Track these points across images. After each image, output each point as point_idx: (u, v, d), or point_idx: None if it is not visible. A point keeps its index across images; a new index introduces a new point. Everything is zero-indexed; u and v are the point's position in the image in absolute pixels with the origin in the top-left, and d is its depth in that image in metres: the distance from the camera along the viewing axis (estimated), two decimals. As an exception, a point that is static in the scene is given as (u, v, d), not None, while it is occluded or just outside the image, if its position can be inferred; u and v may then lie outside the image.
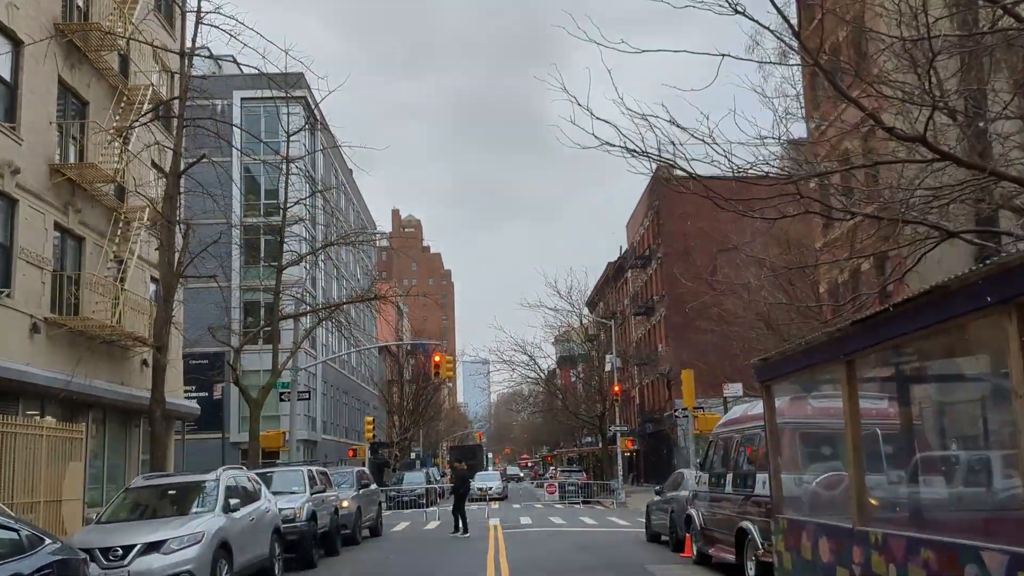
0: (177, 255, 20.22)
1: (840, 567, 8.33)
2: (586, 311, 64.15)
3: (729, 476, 14.59)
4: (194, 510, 13.62)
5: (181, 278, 20.69)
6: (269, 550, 15.18)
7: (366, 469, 27.49)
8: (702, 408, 32.36)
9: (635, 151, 11.57)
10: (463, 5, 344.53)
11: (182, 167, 20.08)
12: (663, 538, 21.61)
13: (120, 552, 11.97)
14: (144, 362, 26.88)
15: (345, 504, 23.48)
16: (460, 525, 25.58)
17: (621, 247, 76.36)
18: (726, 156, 13.00)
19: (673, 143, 12.39)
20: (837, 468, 11.65)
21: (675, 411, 33.20)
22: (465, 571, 16.63)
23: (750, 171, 13.40)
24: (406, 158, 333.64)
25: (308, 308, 28.96)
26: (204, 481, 14.36)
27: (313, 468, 20.82)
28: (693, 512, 16.82)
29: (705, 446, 17.33)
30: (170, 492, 14.50)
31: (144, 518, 13.53)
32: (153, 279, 27.26)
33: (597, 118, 11.70)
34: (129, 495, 14.32)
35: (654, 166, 12.64)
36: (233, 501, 13.77)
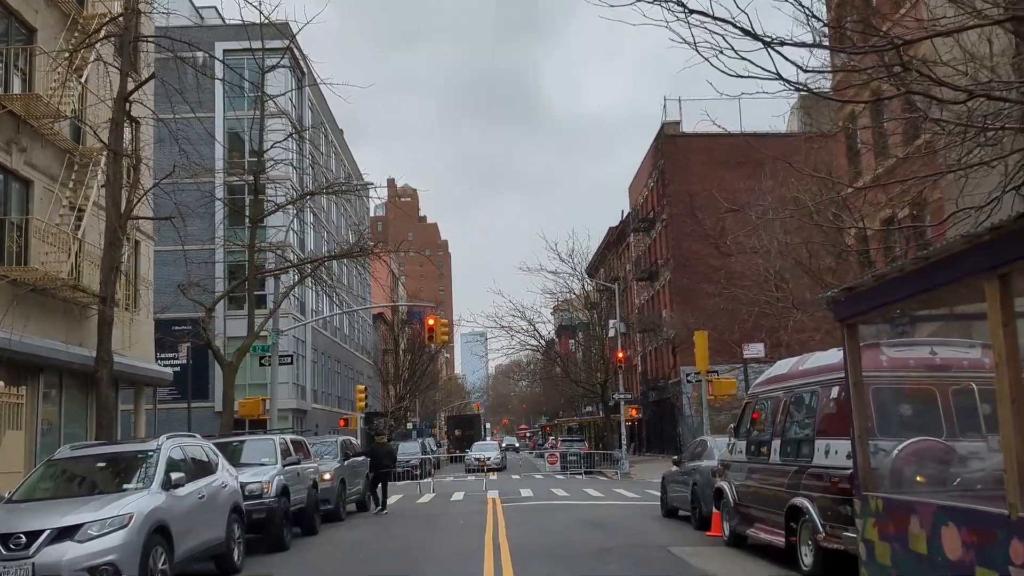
0: (126, 193, 17.58)
1: (984, 568, 5.88)
2: (587, 278, 61.62)
3: (775, 443, 12.14)
4: (126, 487, 11.17)
5: (131, 219, 18.08)
6: (226, 532, 12.76)
7: (352, 438, 25.10)
8: (715, 372, 29.99)
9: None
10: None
11: (129, 88, 17.41)
12: (681, 513, 19.30)
13: (23, 540, 9.54)
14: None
15: (327, 477, 21.11)
16: (378, 502, 23.68)
17: (623, 211, 73.76)
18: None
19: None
20: (952, 433, 9.23)
21: (686, 377, 30.73)
22: (459, 554, 14.24)
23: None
24: (402, 133, 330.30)
25: (288, 264, 26.38)
26: (142, 452, 11.90)
27: (287, 437, 18.36)
28: (724, 485, 14.41)
29: (739, 409, 14.88)
30: (100, 465, 12.02)
31: (66, 496, 11.06)
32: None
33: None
34: (51, 469, 11.83)
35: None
36: (176, 475, 11.32)
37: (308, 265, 27.55)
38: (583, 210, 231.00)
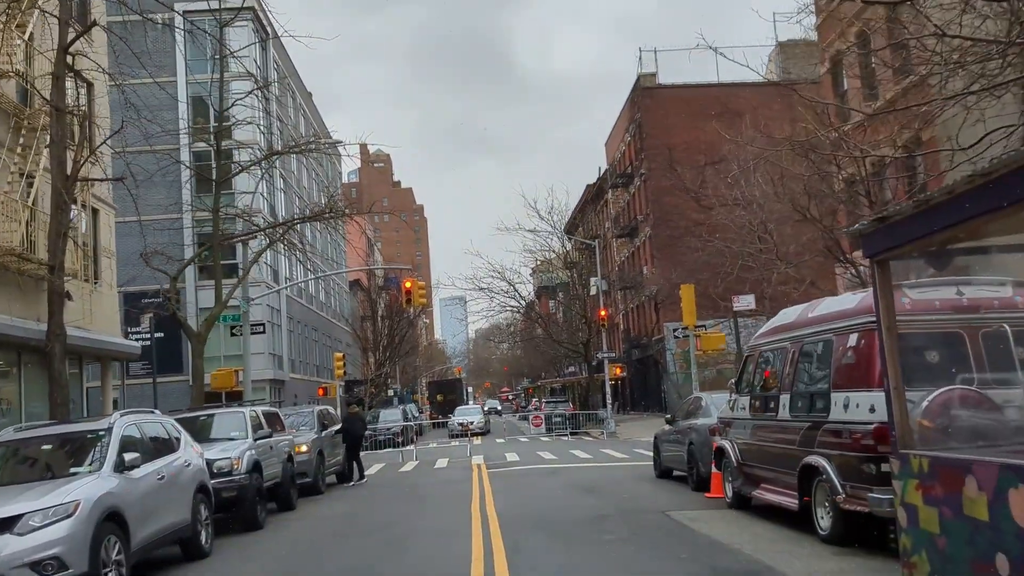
0: (73, 154, 16.25)
1: (1070, 538, 4.96)
2: (567, 237, 60.59)
3: (783, 398, 11.21)
4: (75, 470, 10.10)
5: (80, 181, 16.79)
6: (191, 515, 11.74)
7: (330, 408, 24.10)
8: (703, 326, 29.12)
9: None
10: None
11: (70, 39, 16.03)
12: (676, 474, 18.49)
13: (-46, 534, 8.47)
14: (67, 294, 23.11)
15: (303, 449, 20.13)
16: (356, 472, 22.85)
17: (600, 168, 72.57)
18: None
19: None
20: (984, 380, 8.33)
21: (674, 332, 29.86)
22: (443, 528, 13.32)
23: None
24: (372, 100, 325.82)
25: (255, 228, 25.10)
26: (92, 432, 10.82)
27: (258, 409, 17.29)
28: (726, 445, 13.52)
29: (740, 362, 13.97)
30: (46, 448, 10.92)
31: (8, 483, 9.98)
32: (78, 201, 23.39)
33: None
34: (-7, 452, 10.73)
35: None
36: (130, 456, 10.26)
37: (277, 229, 26.22)
38: (558, 172, 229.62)
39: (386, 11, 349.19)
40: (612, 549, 10.48)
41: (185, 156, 39.05)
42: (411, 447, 34.28)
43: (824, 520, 10.16)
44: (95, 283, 25.07)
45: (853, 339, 9.64)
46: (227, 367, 35.57)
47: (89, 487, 9.33)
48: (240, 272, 43.24)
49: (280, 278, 50.59)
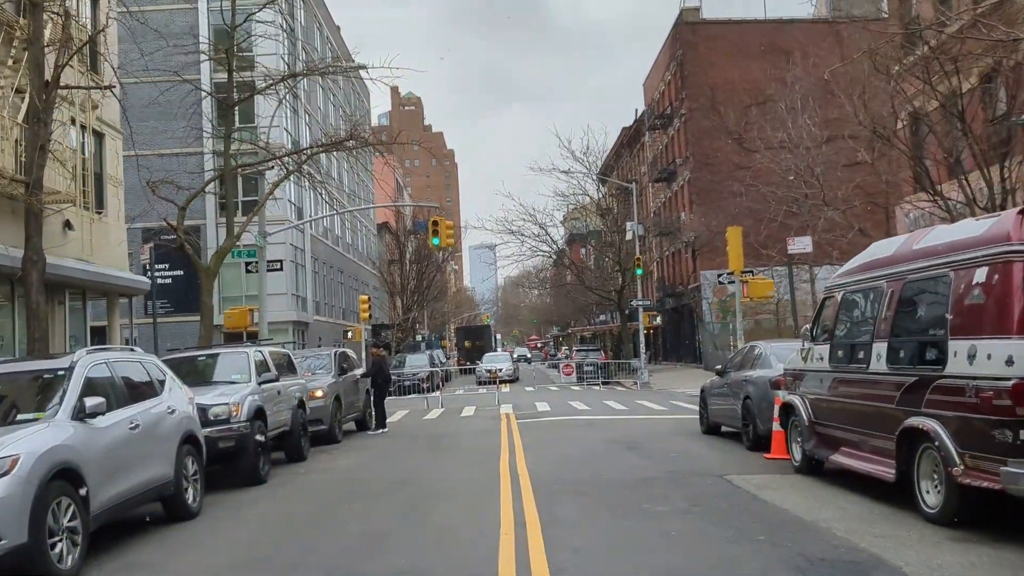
0: (53, 54, 14.37)
1: None
2: (601, 183, 58.28)
3: (879, 347, 9.26)
4: (21, 418, 8.44)
5: (61, 88, 14.97)
6: (174, 469, 10.10)
7: (349, 350, 22.45)
8: (751, 272, 27.06)
9: None
10: None
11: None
12: (724, 429, 16.70)
13: None
14: (67, 224, 21.53)
15: (318, 395, 18.56)
16: (377, 422, 21.25)
17: (636, 110, 69.93)
18: None
19: None
20: None
21: (718, 279, 27.84)
22: (468, 490, 11.63)
23: None
24: (400, 46, 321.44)
25: (270, 156, 23.21)
26: (49, 371, 9.15)
27: (265, 349, 15.57)
28: (795, 400, 11.66)
29: (817, 305, 12.03)
30: (-4, 389, 9.23)
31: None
32: (77, 122, 21.67)
33: None
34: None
35: None
36: (93, 402, 8.56)
37: (295, 158, 24.27)
38: (590, 119, 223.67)
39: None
40: (669, 524, 8.68)
41: (205, 85, 37.21)
42: (437, 393, 32.74)
43: (931, 496, 8.29)
44: (99, 213, 23.46)
45: (981, 274, 7.66)
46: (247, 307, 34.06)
47: (34, 439, 7.64)
48: (261, 208, 41.81)
49: (305, 216, 48.85)
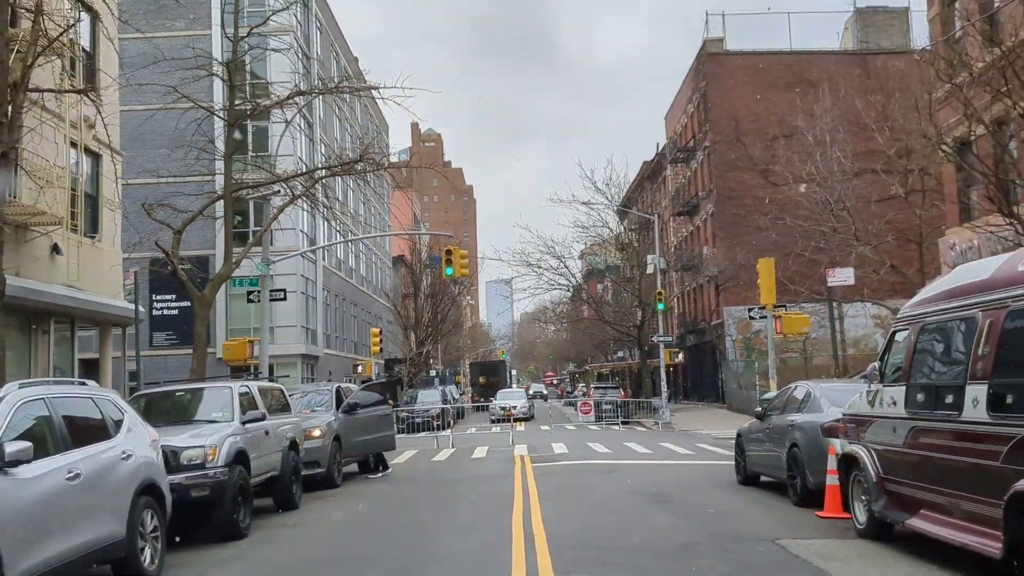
0: (14, 50, 12.97)
1: None
2: (620, 218, 56.78)
3: (976, 391, 7.58)
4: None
5: (30, 91, 13.56)
6: (127, 526, 8.51)
7: (353, 384, 20.83)
8: (783, 306, 25.30)
9: None
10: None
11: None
12: (764, 479, 14.97)
13: None
14: (55, 247, 20.17)
15: (316, 434, 16.95)
16: (378, 463, 19.85)
17: (657, 144, 68.48)
18: None
19: None
20: None
21: (748, 313, 26.06)
22: (474, 553, 9.97)
23: None
24: (420, 82, 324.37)
25: (274, 178, 21.78)
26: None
27: (252, 384, 13.97)
28: (858, 451, 9.96)
29: (884, 340, 10.35)
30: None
31: None
32: (67, 139, 20.38)
33: None
34: None
35: None
36: (14, 448, 7.00)
37: (300, 180, 22.84)
38: (607, 155, 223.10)
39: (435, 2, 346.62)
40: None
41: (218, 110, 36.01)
42: (447, 432, 31.00)
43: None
44: (92, 237, 22.10)
45: None
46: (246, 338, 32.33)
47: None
48: (277, 239, 40.35)
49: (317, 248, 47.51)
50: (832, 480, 11.32)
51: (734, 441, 16.62)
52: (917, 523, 8.68)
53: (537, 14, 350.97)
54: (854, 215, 35.82)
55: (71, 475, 7.75)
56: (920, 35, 55.08)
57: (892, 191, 36.50)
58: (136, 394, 13.18)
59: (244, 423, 12.51)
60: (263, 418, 13.09)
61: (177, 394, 13.45)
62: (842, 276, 24.03)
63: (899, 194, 36.11)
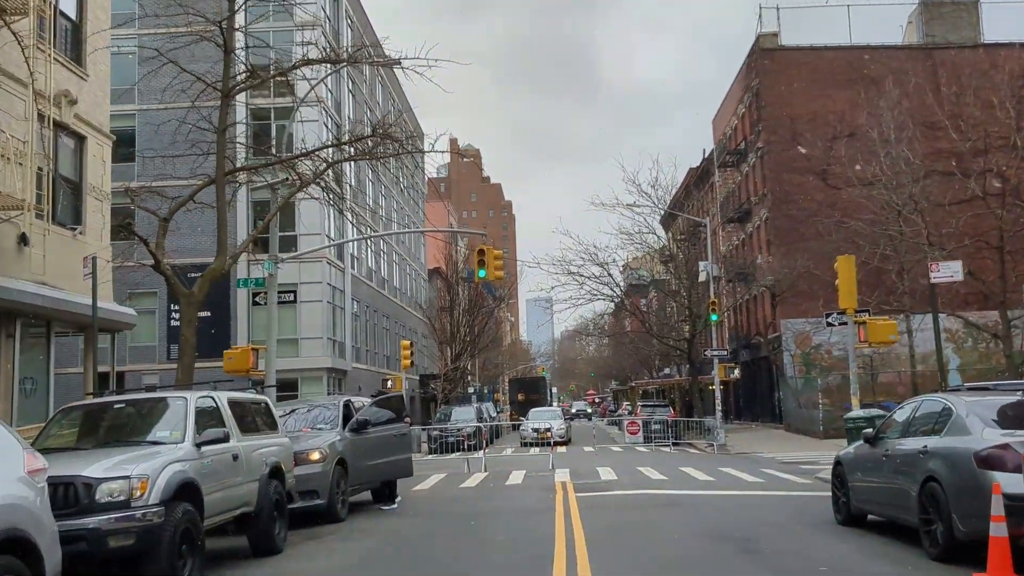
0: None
1: None
2: (663, 229, 53.48)
3: None
4: None
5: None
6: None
7: (363, 399, 17.82)
8: (867, 311, 21.88)
9: None
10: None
11: None
12: (871, 518, 11.69)
13: None
14: (22, 237, 17.43)
15: (315, 457, 14.01)
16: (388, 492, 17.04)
17: (704, 150, 65.14)
18: None
19: None
20: None
21: (827, 319, 22.58)
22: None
23: None
24: (458, 103, 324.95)
25: (274, 159, 18.86)
26: None
27: (220, 395, 10.93)
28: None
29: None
30: None
31: None
32: (46, 118, 17.71)
33: None
34: None
35: None
36: None
37: (307, 163, 19.89)
38: (654, 155, 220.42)
39: (475, 21, 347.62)
40: None
41: (241, 114, 33.46)
42: (480, 454, 27.82)
43: None
44: (73, 229, 19.36)
45: None
46: (283, 354, 29.23)
47: None
48: (301, 244, 37.62)
49: (344, 255, 44.74)
50: (999, 530, 8.05)
51: (831, 470, 13.28)
52: None
53: (575, 39, 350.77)
54: (926, 218, 32.47)
55: None
56: (991, 29, 51.59)
57: (969, 192, 33.18)
58: (65, 407, 10.22)
59: (199, 445, 9.49)
60: (226, 438, 10.04)
61: (117, 407, 10.43)
62: (949, 270, 20.49)
63: (977, 195, 32.73)
